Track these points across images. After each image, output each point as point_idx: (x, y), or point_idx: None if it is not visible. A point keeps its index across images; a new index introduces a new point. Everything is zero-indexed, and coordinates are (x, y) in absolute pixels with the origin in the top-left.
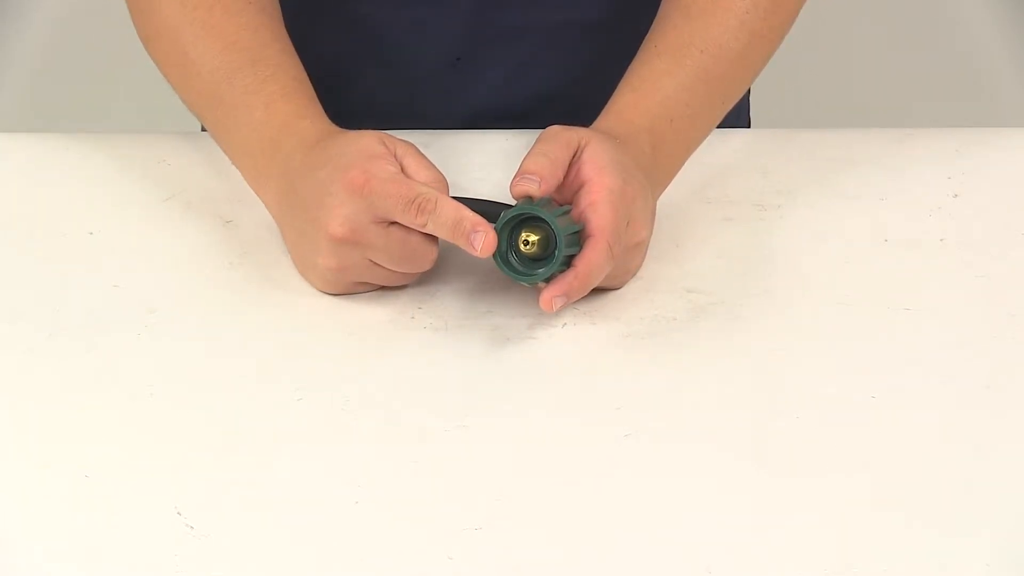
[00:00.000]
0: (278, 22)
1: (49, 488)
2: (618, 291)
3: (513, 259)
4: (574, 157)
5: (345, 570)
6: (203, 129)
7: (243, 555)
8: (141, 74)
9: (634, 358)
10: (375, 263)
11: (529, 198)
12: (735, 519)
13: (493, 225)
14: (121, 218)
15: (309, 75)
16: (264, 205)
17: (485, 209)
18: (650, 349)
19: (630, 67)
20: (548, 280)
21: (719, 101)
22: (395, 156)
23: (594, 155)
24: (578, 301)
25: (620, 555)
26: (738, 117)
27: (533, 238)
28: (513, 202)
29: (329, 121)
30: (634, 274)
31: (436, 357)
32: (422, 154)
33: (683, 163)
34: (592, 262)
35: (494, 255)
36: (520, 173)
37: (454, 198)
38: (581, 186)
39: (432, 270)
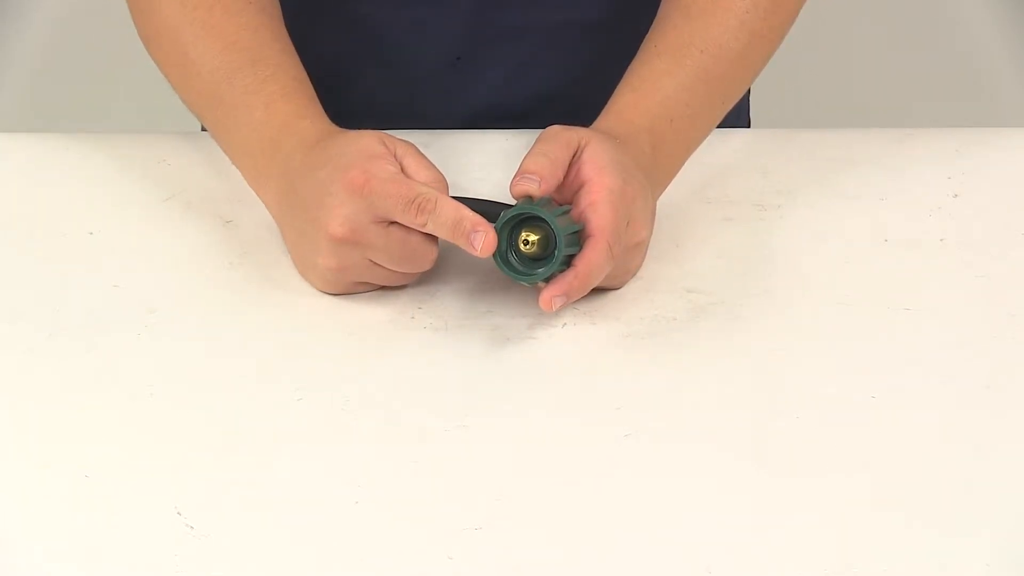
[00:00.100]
0: (278, 22)
1: (49, 488)
2: (618, 291)
3: (513, 259)
4: (574, 157)
5: (345, 570)
6: (203, 129)
7: (243, 555)
8: (141, 74)
9: (634, 358)
10: (375, 263)
11: (529, 198)
12: (735, 519)
13: (493, 225)
14: (121, 218)
15: (309, 75)
16: (264, 205)
17: (485, 209)
18: (650, 349)
19: (630, 67)
20: (548, 280)
21: (719, 101)
22: (395, 156)
23: (594, 155)
24: (578, 301)
25: (620, 555)
26: (738, 117)
27: (533, 238)
28: (513, 202)
29: (329, 121)
30: (634, 274)
31: (436, 357)
32: (422, 154)
33: (683, 163)
34: (592, 262)
35: (494, 255)
36: (520, 173)
37: (454, 198)
38: (581, 186)
39: (432, 270)
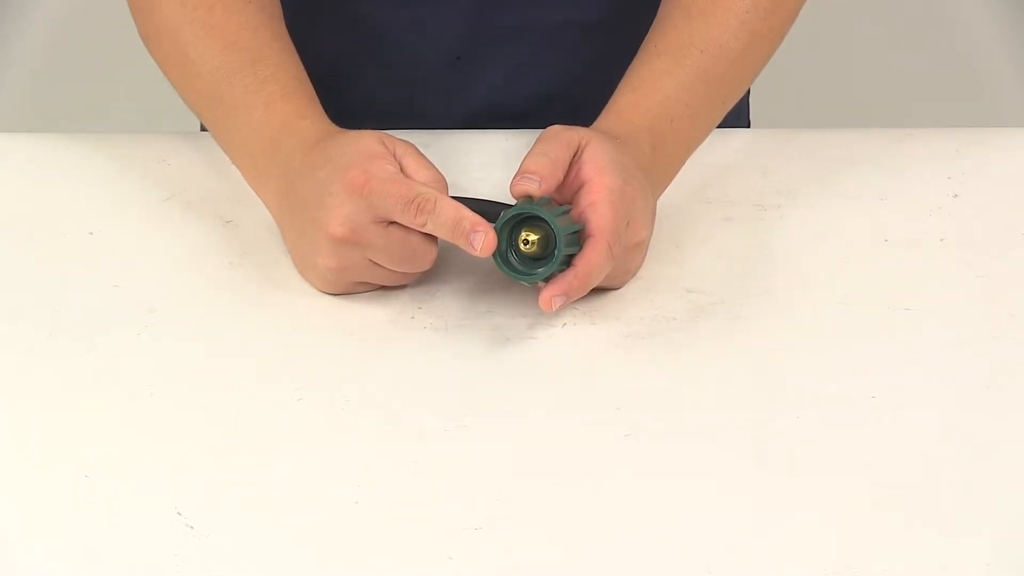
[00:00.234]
0: (278, 21)
1: (49, 488)
2: (618, 291)
3: (513, 259)
4: (574, 157)
5: (345, 570)
6: (203, 129)
7: (243, 555)
8: (141, 74)
9: (634, 358)
10: (375, 263)
11: (529, 198)
12: (735, 519)
13: (493, 225)
14: (121, 218)
15: (309, 75)
16: (264, 205)
17: (485, 209)
18: (650, 349)
19: (630, 67)
20: (548, 280)
21: (719, 101)
22: (394, 156)
23: (594, 155)
24: (578, 301)
25: (620, 555)
26: (738, 117)
27: (533, 237)
28: (513, 202)
29: (329, 121)
30: (634, 274)
31: (436, 357)
32: (421, 154)
33: (683, 163)
34: (592, 262)
35: (494, 255)
36: (520, 172)
37: (454, 198)
38: (581, 186)
39: (432, 270)
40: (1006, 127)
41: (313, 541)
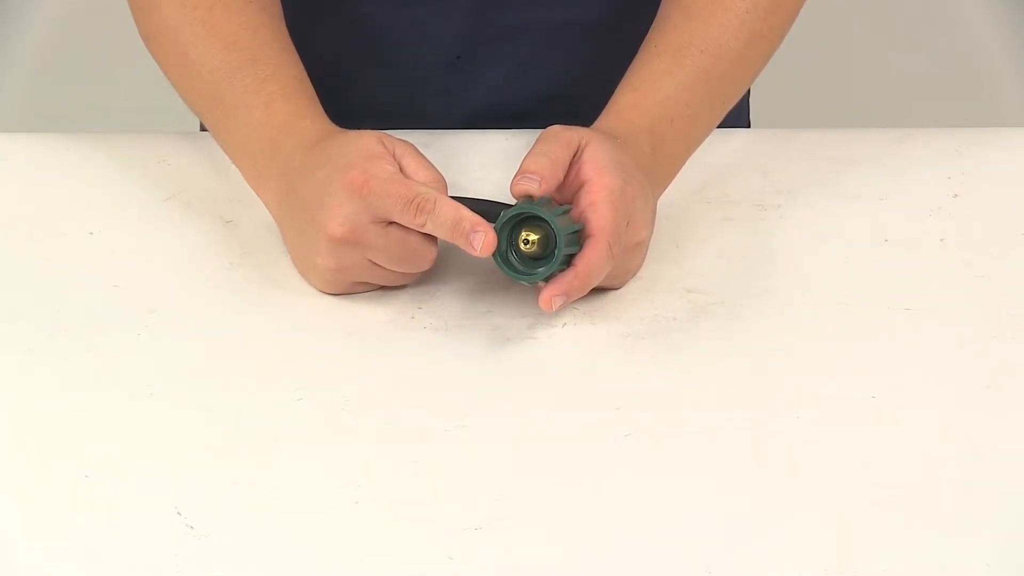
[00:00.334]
0: (279, 21)
1: (49, 488)
2: (618, 291)
3: (513, 258)
4: (574, 157)
5: (345, 570)
6: (203, 129)
7: (243, 555)
8: (141, 74)
9: (634, 358)
10: (374, 263)
11: (529, 197)
12: (735, 519)
13: (492, 225)
14: (121, 218)
15: (309, 75)
16: (264, 205)
17: (485, 209)
18: (650, 349)
19: (630, 67)
20: (548, 279)
21: (719, 101)
22: (394, 156)
23: (594, 155)
24: (578, 301)
25: (620, 555)
26: (738, 117)
27: (533, 237)
28: (513, 202)
29: (329, 121)
30: (634, 274)
31: (436, 357)
32: (421, 154)
33: (683, 163)
34: (592, 262)
35: (494, 254)
36: (520, 172)
37: (453, 198)
38: (581, 186)
39: (432, 270)
40: (1006, 127)
41: (313, 541)
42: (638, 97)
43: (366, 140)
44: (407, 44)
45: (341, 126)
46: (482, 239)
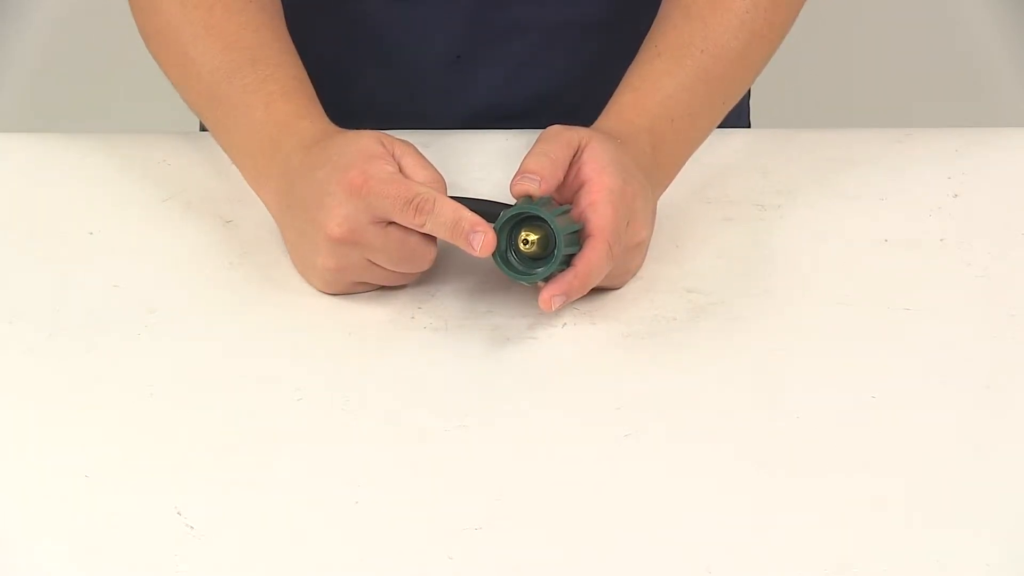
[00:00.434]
0: (279, 21)
1: (49, 488)
2: (618, 291)
3: (513, 258)
4: (574, 157)
5: (345, 570)
6: (203, 129)
7: (243, 555)
8: (141, 74)
9: (634, 358)
10: (374, 263)
11: (529, 197)
12: (735, 519)
13: (492, 225)
14: (121, 218)
15: (309, 75)
16: (264, 205)
17: (484, 209)
18: (650, 349)
19: (630, 67)
20: (547, 279)
21: (719, 101)
22: (393, 156)
23: (594, 155)
24: (578, 301)
25: (620, 555)
26: (738, 117)
27: (533, 237)
28: (513, 202)
29: (329, 121)
30: (634, 274)
31: (436, 357)
32: (420, 154)
33: (683, 163)
34: (592, 262)
35: (494, 254)
36: (520, 172)
37: (453, 198)
38: (581, 186)
39: (432, 270)
40: (1006, 127)
41: (313, 541)
42: (638, 97)
43: (365, 140)
44: (407, 44)
45: (341, 126)
46: (482, 239)
